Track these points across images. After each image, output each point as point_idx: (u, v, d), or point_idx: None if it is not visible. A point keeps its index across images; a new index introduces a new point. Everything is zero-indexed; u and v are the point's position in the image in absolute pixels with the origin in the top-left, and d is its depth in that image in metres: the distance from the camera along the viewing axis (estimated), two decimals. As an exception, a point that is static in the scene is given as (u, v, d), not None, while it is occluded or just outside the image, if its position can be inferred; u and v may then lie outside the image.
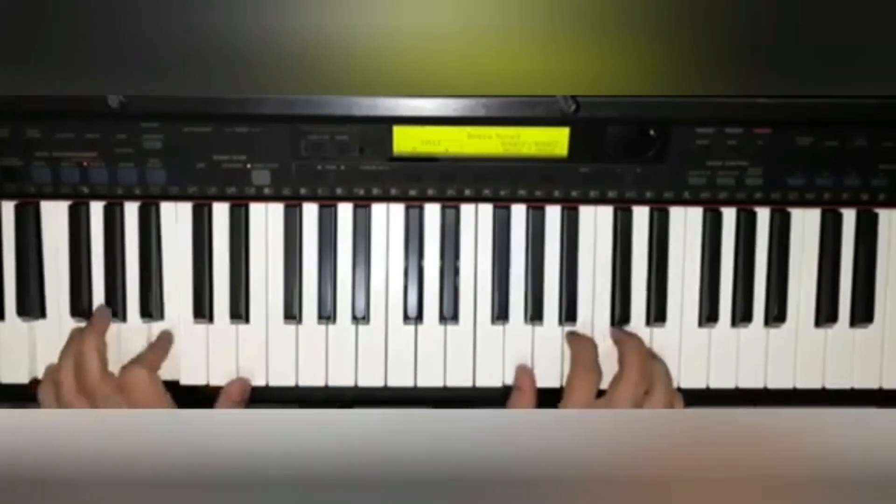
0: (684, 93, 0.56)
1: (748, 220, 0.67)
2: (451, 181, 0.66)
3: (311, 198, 0.66)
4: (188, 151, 0.65)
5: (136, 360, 0.63)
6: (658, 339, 0.68)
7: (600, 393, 0.63)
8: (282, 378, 0.67)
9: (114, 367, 0.64)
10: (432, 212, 0.67)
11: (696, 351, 0.68)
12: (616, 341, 0.66)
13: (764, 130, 0.65)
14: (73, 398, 0.62)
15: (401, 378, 0.67)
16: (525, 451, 0.48)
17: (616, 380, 0.62)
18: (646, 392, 0.62)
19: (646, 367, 0.62)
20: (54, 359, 0.66)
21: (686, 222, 0.67)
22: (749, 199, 0.67)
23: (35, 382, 0.66)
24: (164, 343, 0.66)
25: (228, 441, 0.48)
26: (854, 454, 0.48)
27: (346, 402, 0.67)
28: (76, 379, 0.62)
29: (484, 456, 0.47)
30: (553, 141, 0.64)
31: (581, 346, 0.65)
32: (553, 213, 0.67)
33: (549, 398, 0.66)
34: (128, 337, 0.66)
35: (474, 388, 0.67)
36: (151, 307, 0.66)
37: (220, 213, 0.66)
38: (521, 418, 0.53)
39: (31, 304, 0.66)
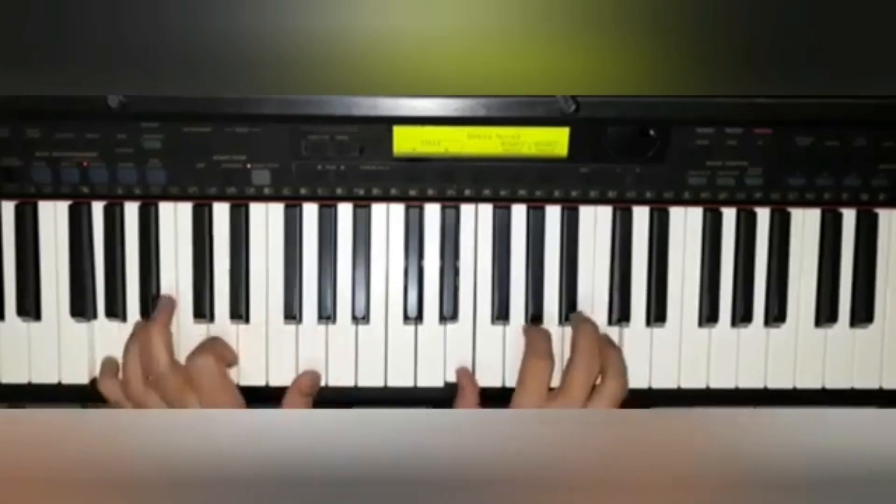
0: (684, 93, 0.56)
1: (748, 220, 0.67)
2: (451, 181, 0.66)
3: (311, 198, 0.66)
4: (188, 151, 0.65)
5: (202, 349, 0.63)
6: (658, 339, 0.68)
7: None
8: (282, 378, 0.67)
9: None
10: (432, 212, 0.67)
11: (696, 351, 0.68)
12: (573, 328, 0.65)
13: (764, 130, 0.65)
14: (141, 392, 0.62)
15: (401, 378, 0.67)
16: (525, 451, 0.48)
17: (568, 365, 0.62)
18: (600, 375, 0.62)
19: (597, 352, 0.62)
20: (52, 359, 0.66)
21: (686, 222, 0.67)
22: (749, 200, 0.67)
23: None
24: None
25: (227, 441, 0.48)
26: (854, 454, 0.47)
27: (346, 402, 0.67)
28: (144, 371, 0.62)
29: (484, 455, 0.47)
30: (553, 141, 0.64)
31: (535, 335, 0.65)
32: (553, 213, 0.67)
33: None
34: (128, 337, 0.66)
35: (474, 388, 0.67)
36: (151, 307, 0.66)
37: (220, 213, 0.66)
38: (521, 418, 0.53)
39: (32, 305, 0.66)
